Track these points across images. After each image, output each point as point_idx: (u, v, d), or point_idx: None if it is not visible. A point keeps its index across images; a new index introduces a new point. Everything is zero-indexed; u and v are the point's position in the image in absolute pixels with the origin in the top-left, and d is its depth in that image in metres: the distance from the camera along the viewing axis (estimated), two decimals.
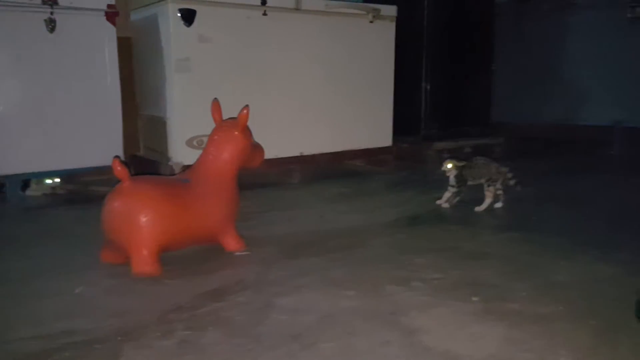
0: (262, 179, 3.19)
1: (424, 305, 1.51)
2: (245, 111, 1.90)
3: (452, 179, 2.57)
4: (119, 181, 1.75)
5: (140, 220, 1.67)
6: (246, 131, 1.96)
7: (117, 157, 1.71)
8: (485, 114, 4.46)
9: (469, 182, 2.57)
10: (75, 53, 2.77)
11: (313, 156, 3.34)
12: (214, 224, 1.89)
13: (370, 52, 3.51)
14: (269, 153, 2.17)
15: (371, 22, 3.45)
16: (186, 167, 2.67)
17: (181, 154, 2.88)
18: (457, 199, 2.58)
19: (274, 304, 1.52)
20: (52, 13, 2.64)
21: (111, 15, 2.84)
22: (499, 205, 2.57)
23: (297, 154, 3.27)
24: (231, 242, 1.95)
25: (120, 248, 1.73)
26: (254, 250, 1.97)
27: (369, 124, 3.57)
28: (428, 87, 3.95)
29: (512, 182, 2.55)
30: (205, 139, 2.81)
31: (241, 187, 2.01)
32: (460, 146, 4.10)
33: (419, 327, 1.37)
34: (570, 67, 4.97)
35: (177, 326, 1.38)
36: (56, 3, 2.64)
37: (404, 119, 3.85)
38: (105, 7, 2.81)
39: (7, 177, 2.68)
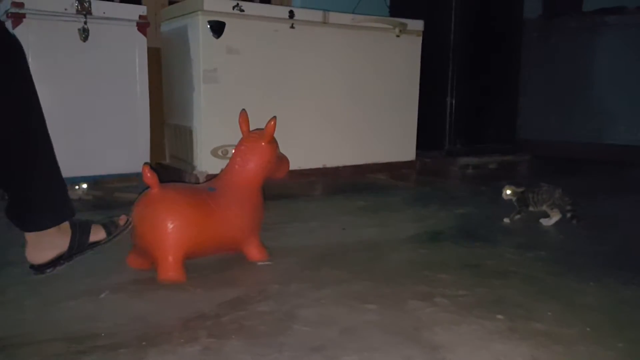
0: (284, 190, 3.21)
1: (448, 322, 1.49)
2: (272, 122, 1.92)
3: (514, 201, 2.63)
4: (145, 188, 1.78)
5: (167, 227, 1.69)
6: (273, 142, 1.98)
7: (147, 163, 1.74)
8: (510, 131, 4.43)
9: (531, 208, 2.58)
10: (106, 62, 2.84)
11: (336, 169, 3.35)
12: (238, 233, 1.91)
13: (396, 66, 3.52)
14: (292, 164, 2.18)
15: (398, 36, 3.46)
16: (211, 176, 2.71)
17: (206, 163, 2.92)
18: (518, 217, 2.61)
19: (296, 315, 1.52)
20: (85, 22, 2.71)
21: (142, 26, 2.91)
22: (550, 222, 2.56)
23: (320, 166, 3.29)
24: (254, 252, 1.96)
25: (146, 254, 1.75)
26: (276, 261, 1.98)
27: (392, 138, 3.57)
28: (453, 102, 3.94)
29: (569, 215, 2.53)
30: (230, 149, 2.86)
31: (264, 198, 2.02)
32: (485, 162, 4.07)
33: (443, 344, 1.36)
34: (598, 85, 4.91)
35: (201, 333, 1.39)
36: (90, 13, 2.72)
37: (428, 133, 3.84)
38: (137, 18, 2.89)
39: None
